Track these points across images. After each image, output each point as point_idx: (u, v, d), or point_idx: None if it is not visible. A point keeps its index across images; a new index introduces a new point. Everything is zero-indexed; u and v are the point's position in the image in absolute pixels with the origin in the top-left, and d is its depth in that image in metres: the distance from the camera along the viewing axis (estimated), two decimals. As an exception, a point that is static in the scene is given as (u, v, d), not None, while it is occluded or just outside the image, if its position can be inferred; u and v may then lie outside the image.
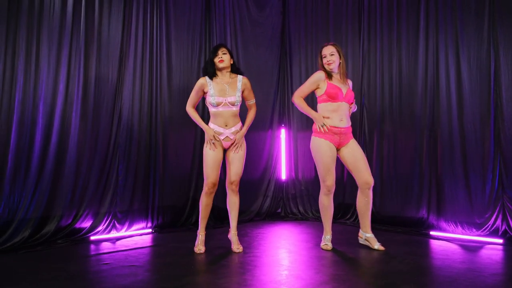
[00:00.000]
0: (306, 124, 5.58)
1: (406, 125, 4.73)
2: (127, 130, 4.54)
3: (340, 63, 3.85)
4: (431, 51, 4.56)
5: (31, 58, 3.96)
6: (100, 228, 4.33)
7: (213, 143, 3.70)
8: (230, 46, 5.33)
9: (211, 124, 3.76)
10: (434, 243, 4.05)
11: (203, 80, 3.74)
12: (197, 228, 3.91)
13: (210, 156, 3.69)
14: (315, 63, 5.52)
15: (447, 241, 4.12)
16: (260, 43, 5.58)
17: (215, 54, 3.75)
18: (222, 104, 3.69)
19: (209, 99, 3.69)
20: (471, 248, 3.82)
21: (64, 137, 4.14)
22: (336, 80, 3.85)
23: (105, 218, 4.38)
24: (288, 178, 5.69)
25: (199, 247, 3.75)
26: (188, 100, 3.84)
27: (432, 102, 4.54)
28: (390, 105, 4.86)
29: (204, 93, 3.75)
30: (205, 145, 3.75)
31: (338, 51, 3.84)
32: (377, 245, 3.79)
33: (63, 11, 4.12)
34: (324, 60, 3.84)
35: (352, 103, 3.88)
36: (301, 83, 5.60)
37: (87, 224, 4.27)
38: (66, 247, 3.92)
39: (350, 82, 3.96)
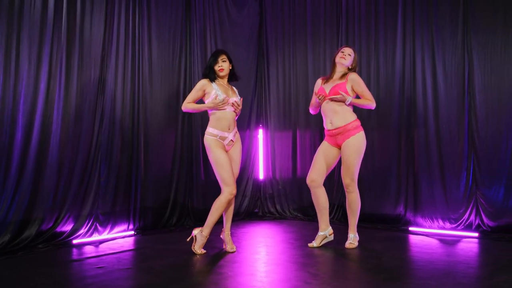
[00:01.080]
0: (284, 124, 5.67)
1: (384, 126, 4.91)
2: (109, 129, 4.43)
3: (351, 66, 3.94)
4: (408, 55, 4.77)
5: (11, 55, 3.77)
6: (81, 231, 4.20)
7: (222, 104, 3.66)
8: (210, 46, 5.32)
9: (214, 130, 3.71)
10: (415, 238, 4.24)
11: (205, 81, 3.74)
12: (176, 228, 4.17)
13: (225, 160, 3.64)
14: (292, 64, 5.62)
15: (426, 236, 4.33)
16: (239, 43, 5.60)
17: (215, 61, 3.75)
18: (228, 103, 3.70)
19: (213, 100, 3.68)
20: (450, 242, 4.03)
21: (45, 136, 3.97)
22: (331, 80, 3.94)
23: (87, 221, 4.25)
24: (266, 178, 5.74)
25: (202, 249, 3.73)
26: (186, 99, 3.79)
27: (409, 104, 4.75)
28: (368, 106, 5.02)
29: (204, 94, 3.73)
30: (212, 151, 3.67)
31: (354, 57, 3.94)
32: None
33: (44, 7, 3.95)
34: (339, 54, 3.93)
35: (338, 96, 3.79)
36: (278, 83, 5.72)
37: (68, 227, 4.13)
38: (48, 252, 3.77)
39: (350, 76, 3.87)
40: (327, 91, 3.88)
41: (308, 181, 3.96)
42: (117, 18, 4.51)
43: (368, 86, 5.01)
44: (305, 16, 5.55)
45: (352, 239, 3.90)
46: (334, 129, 3.84)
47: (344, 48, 3.97)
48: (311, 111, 4.14)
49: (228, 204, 3.79)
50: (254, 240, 4.29)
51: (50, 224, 4.02)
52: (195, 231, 3.75)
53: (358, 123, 3.87)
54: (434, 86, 4.60)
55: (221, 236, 3.91)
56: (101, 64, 4.37)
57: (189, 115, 5.11)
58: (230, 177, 3.65)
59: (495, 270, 3.09)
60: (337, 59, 3.94)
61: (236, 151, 3.84)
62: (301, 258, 3.55)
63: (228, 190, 3.65)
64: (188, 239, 3.79)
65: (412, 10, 4.73)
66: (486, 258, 3.46)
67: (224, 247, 3.84)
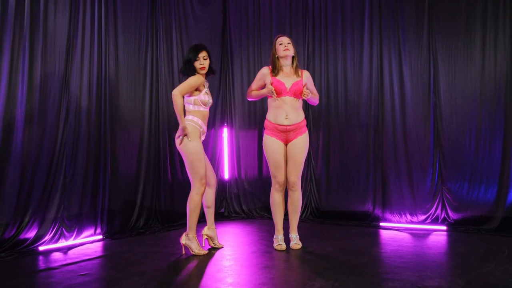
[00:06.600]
0: (248, 123, 5.61)
1: (352, 125, 5.02)
2: (75, 127, 4.11)
3: (293, 56, 3.82)
4: (375, 56, 4.91)
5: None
6: (47, 237, 3.86)
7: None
8: (176, 42, 5.14)
9: (199, 120, 3.65)
10: (387, 233, 4.35)
11: (203, 78, 3.62)
12: (146, 231, 4.24)
13: (203, 153, 3.59)
14: (257, 63, 5.57)
15: (397, 230, 4.46)
16: (203, 40, 5.43)
17: (196, 57, 3.66)
18: (210, 104, 3.73)
19: (205, 98, 3.65)
20: (423, 236, 4.19)
21: (7, 134, 3.62)
22: (285, 74, 3.79)
23: (52, 226, 3.91)
24: (231, 177, 5.65)
25: (200, 248, 3.63)
26: (180, 89, 3.57)
27: (377, 103, 4.89)
28: (336, 105, 5.11)
29: (195, 90, 3.62)
30: (184, 139, 3.56)
31: (293, 44, 3.81)
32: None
33: (5, -9, 3.60)
34: (281, 47, 3.75)
35: (303, 94, 3.71)
36: (242, 83, 5.65)
37: (32, 233, 3.77)
38: (15, 261, 3.42)
39: (305, 74, 3.85)
40: (288, 87, 3.72)
41: (282, 185, 3.81)
42: (82, 7, 4.21)
43: (336, 86, 5.13)
44: (270, 16, 5.54)
45: (296, 240, 3.84)
46: (290, 125, 3.72)
47: (281, 39, 3.79)
48: (249, 99, 4.05)
49: (210, 200, 3.82)
50: (230, 240, 4.18)
51: (13, 231, 3.66)
52: (183, 241, 3.64)
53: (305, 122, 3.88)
54: (401, 86, 4.78)
55: (206, 233, 3.81)
56: (66, 56, 4.05)
57: (157, 112, 4.91)
58: (204, 171, 3.61)
59: (480, 260, 3.25)
60: (282, 53, 3.75)
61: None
62: (287, 257, 3.52)
63: (200, 184, 3.59)
64: (184, 252, 3.65)
65: (378, 13, 4.89)
66: (466, 249, 3.61)
67: (213, 242, 3.77)
